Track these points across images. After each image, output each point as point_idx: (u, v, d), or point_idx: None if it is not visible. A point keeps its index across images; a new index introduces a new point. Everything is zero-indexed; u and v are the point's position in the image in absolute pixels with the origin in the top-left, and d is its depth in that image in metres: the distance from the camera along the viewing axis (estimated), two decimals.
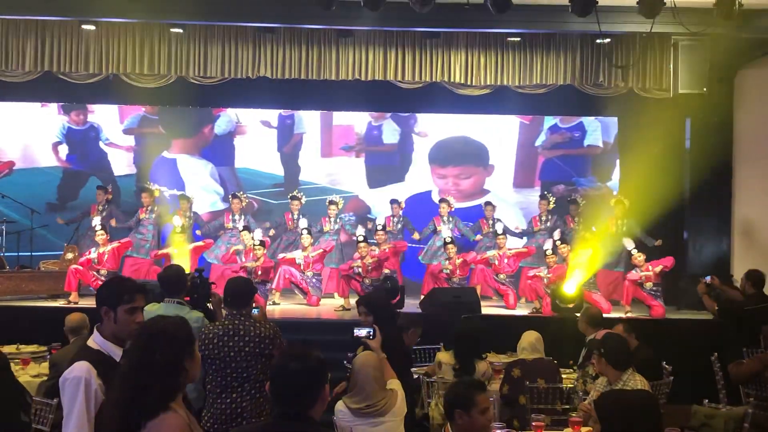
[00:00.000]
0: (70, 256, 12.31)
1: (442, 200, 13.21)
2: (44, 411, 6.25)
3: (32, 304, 11.27)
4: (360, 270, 11.62)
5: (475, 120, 14.55)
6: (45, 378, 6.97)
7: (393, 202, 13.32)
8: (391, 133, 14.98)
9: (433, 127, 14.95)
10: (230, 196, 13.23)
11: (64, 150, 14.82)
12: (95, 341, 3.76)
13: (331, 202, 12.97)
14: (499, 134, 14.90)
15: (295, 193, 13.34)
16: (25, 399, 6.01)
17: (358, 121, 14.97)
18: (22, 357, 7.71)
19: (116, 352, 3.69)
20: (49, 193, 14.60)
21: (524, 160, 15.01)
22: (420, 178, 14.95)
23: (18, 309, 10.83)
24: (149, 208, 12.77)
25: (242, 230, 12.32)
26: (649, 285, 11.15)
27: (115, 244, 11.85)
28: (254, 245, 11.70)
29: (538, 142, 14.90)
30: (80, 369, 3.61)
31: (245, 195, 13.41)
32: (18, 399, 5.80)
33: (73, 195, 14.69)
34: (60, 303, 11.25)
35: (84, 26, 11.40)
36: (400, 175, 14.93)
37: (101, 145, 14.80)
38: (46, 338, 8.28)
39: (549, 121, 14.75)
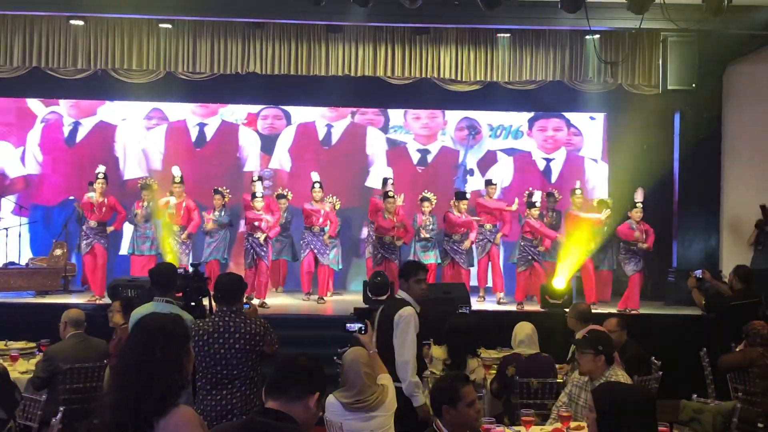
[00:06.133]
0: (58, 252, 12.26)
1: (423, 198, 12.91)
2: (32, 407, 6.22)
3: (21, 300, 11.26)
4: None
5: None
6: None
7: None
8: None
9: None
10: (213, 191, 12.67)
11: None
12: (404, 297, 5.96)
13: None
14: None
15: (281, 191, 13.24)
16: (14, 396, 5.99)
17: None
18: (11, 353, 7.68)
19: (416, 305, 5.92)
20: None
21: None
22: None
23: (6, 305, 10.81)
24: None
25: (255, 180, 12.16)
26: (643, 245, 11.31)
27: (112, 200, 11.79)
28: (254, 195, 11.63)
29: None
30: (411, 311, 5.81)
31: (227, 190, 13.08)
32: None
33: None
34: (49, 299, 11.30)
35: (72, 21, 11.34)
36: None
37: None
38: (34, 334, 8.25)
39: None
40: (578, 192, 12.14)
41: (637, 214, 11.33)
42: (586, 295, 11.63)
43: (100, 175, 11.64)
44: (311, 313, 11.34)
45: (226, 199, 12.57)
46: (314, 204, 12.22)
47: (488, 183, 12.72)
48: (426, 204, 12.25)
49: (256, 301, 10.96)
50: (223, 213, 12.47)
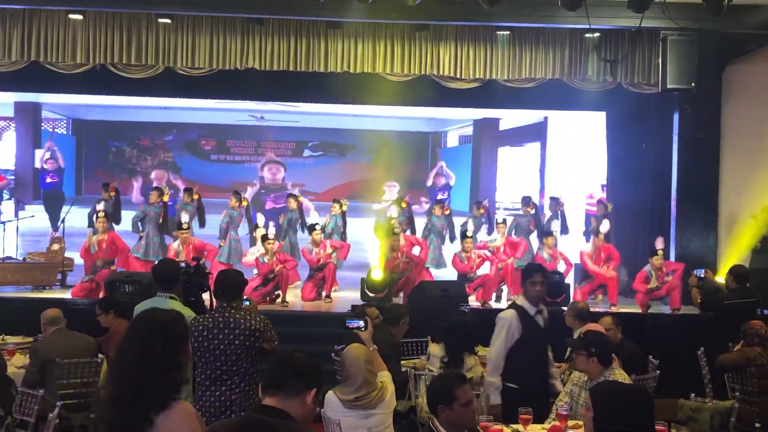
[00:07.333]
0: (56, 247, 12.25)
1: (438, 201, 13.12)
2: (29, 402, 6.21)
3: (18, 295, 11.24)
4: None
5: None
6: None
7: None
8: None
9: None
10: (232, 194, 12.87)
11: None
12: (518, 301, 6.17)
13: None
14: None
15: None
16: (10, 391, 5.99)
17: None
18: (8, 348, 7.69)
19: (529, 307, 6.09)
20: None
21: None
22: None
23: (4, 300, 10.81)
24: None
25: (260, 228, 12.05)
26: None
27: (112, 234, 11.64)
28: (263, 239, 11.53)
29: None
30: (510, 314, 6.06)
31: (245, 196, 13.04)
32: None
33: None
34: (46, 294, 11.30)
35: (71, 15, 11.29)
36: None
37: None
38: (31, 329, 8.25)
39: None
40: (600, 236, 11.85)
41: (657, 261, 11.10)
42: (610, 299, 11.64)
43: (101, 214, 11.54)
44: (310, 310, 11.34)
45: (244, 203, 12.61)
46: (314, 249, 11.94)
47: (497, 223, 12.87)
48: (437, 207, 12.71)
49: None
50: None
